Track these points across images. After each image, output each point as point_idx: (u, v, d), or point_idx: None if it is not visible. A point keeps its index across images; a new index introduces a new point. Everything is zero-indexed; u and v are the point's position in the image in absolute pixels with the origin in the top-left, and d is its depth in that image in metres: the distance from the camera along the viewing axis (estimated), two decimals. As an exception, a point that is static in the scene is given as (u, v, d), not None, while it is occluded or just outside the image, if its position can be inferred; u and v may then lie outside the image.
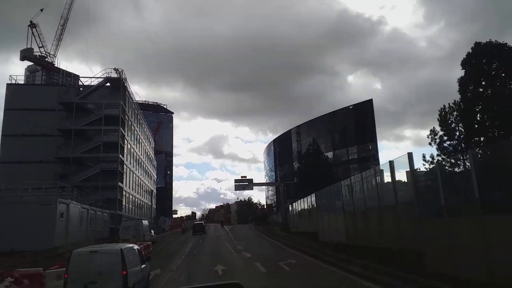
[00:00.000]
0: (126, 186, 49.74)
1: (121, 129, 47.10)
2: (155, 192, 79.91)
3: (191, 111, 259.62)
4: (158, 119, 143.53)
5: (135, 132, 57.56)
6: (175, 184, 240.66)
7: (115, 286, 9.50)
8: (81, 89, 50.18)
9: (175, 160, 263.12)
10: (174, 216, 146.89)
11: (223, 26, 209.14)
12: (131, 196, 53.01)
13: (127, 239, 32.45)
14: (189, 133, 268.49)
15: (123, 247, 10.55)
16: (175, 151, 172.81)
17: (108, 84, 49.29)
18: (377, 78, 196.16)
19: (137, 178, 57.81)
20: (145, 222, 36.39)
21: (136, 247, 11.97)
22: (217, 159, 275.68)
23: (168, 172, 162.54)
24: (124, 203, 48.94)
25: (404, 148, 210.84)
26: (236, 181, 54.09)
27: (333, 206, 22.30)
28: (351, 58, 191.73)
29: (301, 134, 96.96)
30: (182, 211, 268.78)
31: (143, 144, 65.42)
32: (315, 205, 29.17)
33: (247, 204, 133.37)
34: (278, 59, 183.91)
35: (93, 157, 45.55)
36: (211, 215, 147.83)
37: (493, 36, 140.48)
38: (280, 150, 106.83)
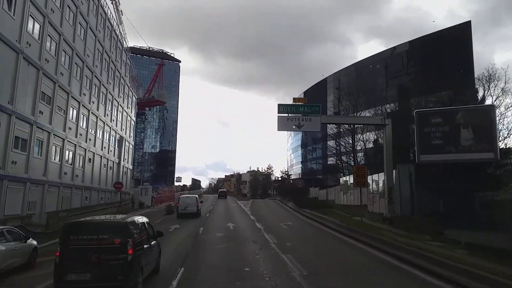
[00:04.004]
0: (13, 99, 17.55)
1: None
2: (132, 144, 47.74)
3: (196, 76, 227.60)
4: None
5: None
6: (182, 151, 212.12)
7: (194, 208, 26.47)
8: None
9: (181, 127, 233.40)
10: (177, 184, 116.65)
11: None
12: (37, 132, 20.80)
13: None
14: (195, 98, 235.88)
15: (196, 195, 33.05)
16: (180, 117, 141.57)
17: None
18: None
19: (68, 98, 25.58)
20: None
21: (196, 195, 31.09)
22: (225, 128, 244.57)
23: (172, 135, 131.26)
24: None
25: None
26: (281, 108, 21.01)
27: None
28: (364, 26, 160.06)
29: (342, 82, 64.10)
30: (189, 179, 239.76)
31: (104, 48, 33.10)
32: None
33: (265, 174, 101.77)
34: (287, 24, 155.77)
35: None
36: (219, 186, 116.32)
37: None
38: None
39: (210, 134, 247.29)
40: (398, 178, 18.84)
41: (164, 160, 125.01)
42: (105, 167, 35.02)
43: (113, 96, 36.95)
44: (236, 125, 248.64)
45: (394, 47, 57.91)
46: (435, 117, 17.85)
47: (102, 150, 33.79)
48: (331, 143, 49.70)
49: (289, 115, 21.71)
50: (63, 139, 24.76)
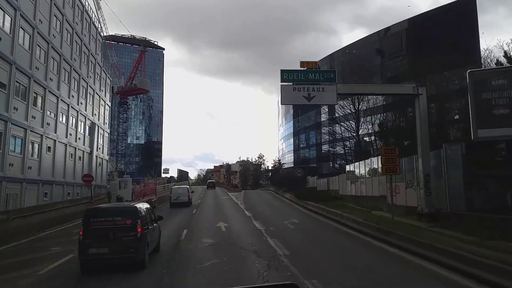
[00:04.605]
0: None
1: None
2: (107, 132, 41.96)
3: (181, 67, 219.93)
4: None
5: None
6: (169, 142, 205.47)
7: (186, 198, 28.16)
8: None
9: (168, 118, 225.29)
10: (165, 175, 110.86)
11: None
12: None
13: None
14: (180, 90, 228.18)
15: (187, 185, 37.07)
16: (166, 109, 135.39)
17: None
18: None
19: (11, 71, 19.94)
20: None
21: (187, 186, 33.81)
22: (212, 119, 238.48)
23: (158, 126, 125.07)
24: None
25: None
26: (285, 75, 16.25)
27: None
28: (348, 15, 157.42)
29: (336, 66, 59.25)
30: (176, 170, 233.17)
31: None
32: None
33: (255, 164, 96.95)
34: (271, 14, 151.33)
35: None
36: (209, 176, 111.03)
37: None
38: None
39: (197, 125, 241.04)
40: (445, 162, 14.08)
41: (151, 152, 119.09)
42: (72, 157, 29.46)
43: (80, 76, 31.14)
44: (224, 116, 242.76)
45: (389, 27, 53.51)
46: (497, 78, 12.99)
47: (67, 137, 28.17)
48: (330, 128, 44.97)
49: (295, 84, 16.69)
50: (6, 122, 19.21)
